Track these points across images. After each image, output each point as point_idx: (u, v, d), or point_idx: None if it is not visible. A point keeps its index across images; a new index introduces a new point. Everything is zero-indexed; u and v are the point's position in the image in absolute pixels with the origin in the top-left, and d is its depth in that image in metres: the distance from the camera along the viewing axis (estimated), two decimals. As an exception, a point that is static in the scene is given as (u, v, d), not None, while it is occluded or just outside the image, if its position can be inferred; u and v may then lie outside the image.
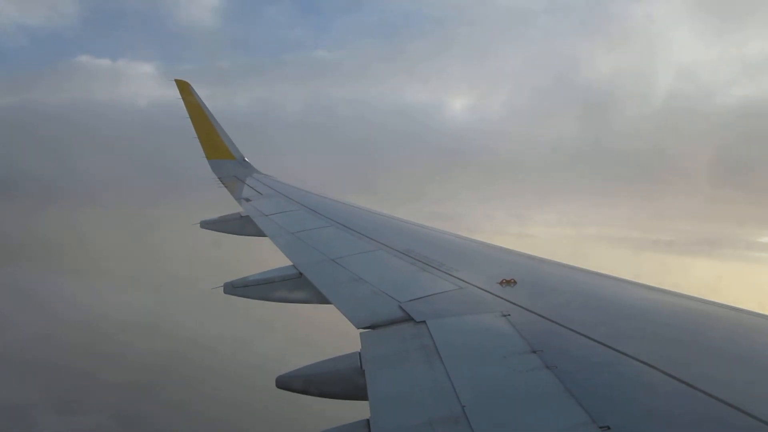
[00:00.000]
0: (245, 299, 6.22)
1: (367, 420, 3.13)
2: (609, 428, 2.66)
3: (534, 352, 3.56)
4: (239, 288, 6.26)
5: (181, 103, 13.41)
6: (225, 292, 6.27)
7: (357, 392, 3.66)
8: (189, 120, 13.44)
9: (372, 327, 4.41)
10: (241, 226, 9.57)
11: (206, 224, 10.09)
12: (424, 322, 4.28)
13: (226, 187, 12.37)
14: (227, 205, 10.93)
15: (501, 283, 4.97)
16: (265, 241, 8.22)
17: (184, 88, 13.53)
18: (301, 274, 6.15)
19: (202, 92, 13.75)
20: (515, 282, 4.98)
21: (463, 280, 5.21)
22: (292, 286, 6.08)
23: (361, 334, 4.32)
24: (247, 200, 10.89)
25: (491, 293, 4.80)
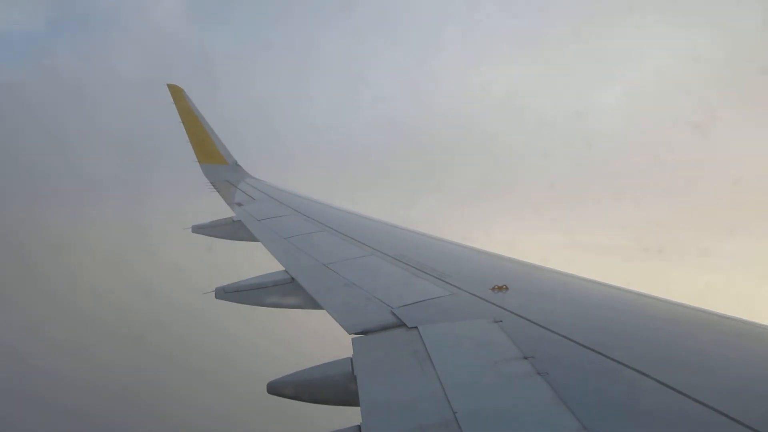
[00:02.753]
0: (237, 304, 6.20)
1: (359, 426, 3.12)
2: None
3: (526, 358, 3.56)
4: (231, 293, 6.23)
5: (173, 107, 13.40)
6: (216, 297, 6.24)
7: (348, 398, 3.64)
8: (180, 124, 13.42)
9: (364, 332, 4.40)
10: (233, 230, 9.53)
11: (198, 229, 10.05)
12: (416, 327, 4.27)
13: (218, 191, 12.34)
14: (219, 210, 10.90)
15: (493, 289, 4.98)
16: (257, 245, 8.19)
17: (176, 92, 13.51)
18: (293, 279, 6.13)
19: (191, 95, 13.75)
20: (507, 288, 4.99)
21: (455, 286, 5.21)
22: (283, 291, 6.05)
23: (352, 339, 4.31)
24: (240, 205, 10.86)
25: (483, 299, 4.80)
